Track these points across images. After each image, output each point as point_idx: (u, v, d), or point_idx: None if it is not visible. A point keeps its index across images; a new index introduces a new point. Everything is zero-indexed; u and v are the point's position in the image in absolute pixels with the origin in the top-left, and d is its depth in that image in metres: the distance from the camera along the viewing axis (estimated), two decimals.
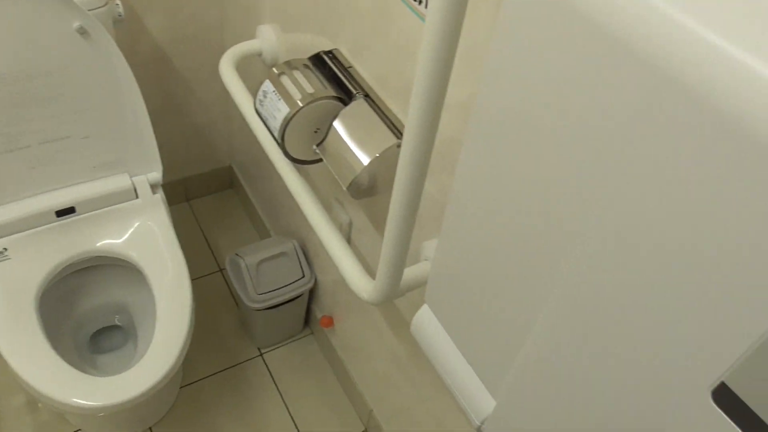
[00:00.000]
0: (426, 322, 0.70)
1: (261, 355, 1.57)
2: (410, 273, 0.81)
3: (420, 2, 0.73)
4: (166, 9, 1.43)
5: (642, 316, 0.40)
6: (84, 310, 1.36)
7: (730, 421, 0.36)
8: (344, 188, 0.87)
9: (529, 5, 0.42)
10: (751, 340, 0.33)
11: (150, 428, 1.42)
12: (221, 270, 1.73)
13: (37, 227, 1.21)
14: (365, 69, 0.92)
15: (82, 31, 1.08)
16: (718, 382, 0.36)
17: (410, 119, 0.58)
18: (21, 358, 1.09)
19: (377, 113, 0.88)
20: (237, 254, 1.41)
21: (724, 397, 0.36)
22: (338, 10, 0.94)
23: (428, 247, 0.86)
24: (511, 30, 0.45)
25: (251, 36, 1.37)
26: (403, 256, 0.72)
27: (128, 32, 1.42)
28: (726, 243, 0.33)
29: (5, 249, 1.19)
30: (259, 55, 1.24)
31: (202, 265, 1.73)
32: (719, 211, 0.33)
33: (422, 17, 0.73)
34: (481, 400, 0.63)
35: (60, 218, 1.23)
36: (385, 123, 0.87)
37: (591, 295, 0.44)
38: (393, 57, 0.83)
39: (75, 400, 1.06)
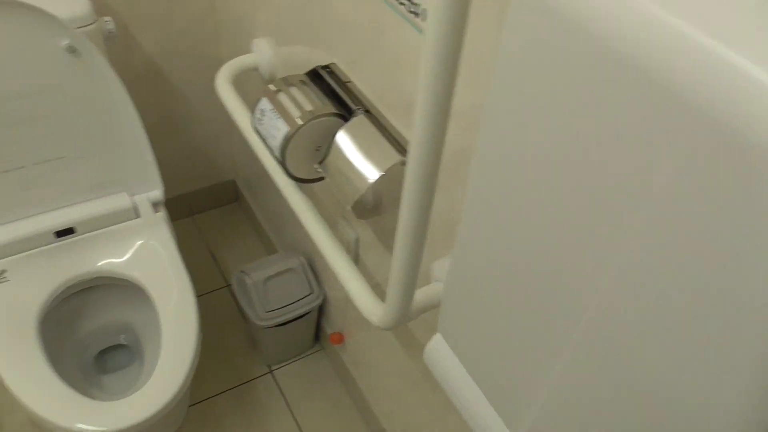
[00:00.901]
0: (439, 352, 0.67)
1: (271, 372, 1.54)
2: (421, 295, 0.78)
3: (416, 15, 0.69)
4: (158, 23, 1.40)
5: (676, 350, 0.36)
6: (87, 331, 1.34)
7: None
8: (347, 208, 0.83)
9: (532, 19, 0.38)
10: None
11: None
12: (228, 286, 1.70)
13: (36, 248, 1.19)
14: (364, 83, 0.88)
15: (72, 50, 1.05)
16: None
17: (414, 136, 0.54)
18: (22, 384, 1.06)
19: (379, 129, 0.85)
20: (243, 271, 1.38)
21: None
22: (332, 23, 0.91)
23: (439, 267, 0.82)
24: (517, 39, 0.41)
25: (247, 47, 1.33)
26: (413, 279, 0.69)
27: (121, 48, 1.39)
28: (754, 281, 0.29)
29: (4, 270, 1.17)
30: (256, 69, 1.20)
31: (208, 280, 1.70)
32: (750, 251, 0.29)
33: (419, 29, 0.69)
34: None
35: (60, 239, 1.21)
36: (388, 139, 0.83)
37: (620, 328, 0.41)
38: (391, 70, 0.80)
39: (79, 425, 1.03)
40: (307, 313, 1.42)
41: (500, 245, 0.51)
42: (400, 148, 0.82)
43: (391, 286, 0.71)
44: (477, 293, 0.57)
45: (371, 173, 0.82)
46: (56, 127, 1.11)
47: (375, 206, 0.88)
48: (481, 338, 0.59)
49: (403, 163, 0.81)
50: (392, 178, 0.83)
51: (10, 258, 1.16)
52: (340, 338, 1.42)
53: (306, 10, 0.98)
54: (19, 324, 1.11)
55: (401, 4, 0.71)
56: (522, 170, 0.45)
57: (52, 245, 1.19)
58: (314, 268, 1.43)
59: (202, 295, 1.67)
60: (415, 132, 0.54)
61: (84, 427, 1.03)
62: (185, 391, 1.10)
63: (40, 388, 1.06)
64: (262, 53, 1.16)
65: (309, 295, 1.40)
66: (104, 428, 1.02)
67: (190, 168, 1.74)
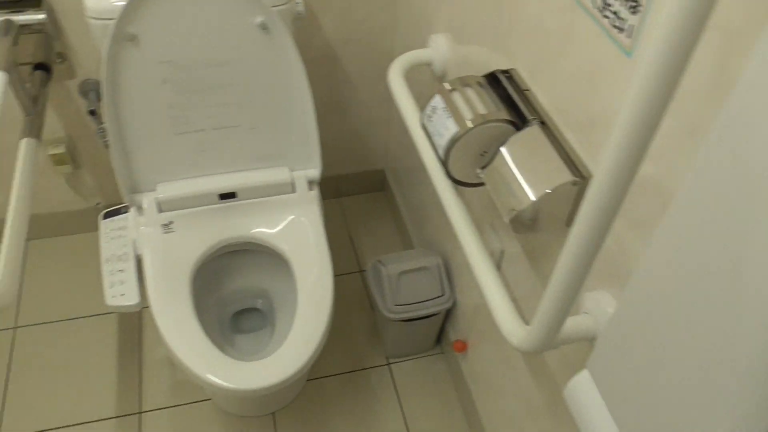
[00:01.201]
0: (584, 391, 0.62)
1: (388, 364, 1.55)
2: (569, 325, 0.73)
3: (621, 30, 0.64)
4: (340, 10, 1.44)
5: None
6: (230, 290, 1.42)
7: None
8: (505, 220, 0.80)
9: None
10: None
11: (273, 413, 1.45)
12: (361, 271, 1.73)
13: (201, 206, 1.28)
14: (544, 94, 0.84)
15: (264, 27, 1.11)
16: None
17: (605, 162, 0.50)
18: (170, 326, 1.14)
19: (552, 143, 0.80)
20: (379, 261, 1.39)
21: None
22: (520, 27, 0.87)
23: (592, 300, 0.77)
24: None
25: (421, 43, 1.33)
26: (566, 309, 0.64)
27: (304, 29, 1.46)
28: None
29: (171, 222, 1.26)
30: (429, 65, 1.20)
31: (343, 263, 1.75)
32: None
33: (624, 48, 0.64)
34: None
35: (222, 201, 1.28)
36: (561, 155, 0.79)
37: None
38: (578, 84, 0.75)
39: (210, 377, 1.09)
40: (434, 315, 1.40)
41: (683, 299, 0.46)
42: (573, 166, 0.77)
43: (542, 311, 0.67)
44: (644, 344, 0.52)
45: (536, 189, 0.78)
46: (238, 97, 1.18)
47: (532, 222, 0.84)
48: (639, 389, 0.54)
49: (574, 183, 0.76)
50: (558, 197, 0.78)
51: (177, 211, 1.26)
52: (463, 346, 1.39)
53: (493, 11, 0.95)
54: (176, 271, 1.20)
55: (605, 17, 0.66)
56: (737, 227, 0.40)
57: (215, 206, 1.28)
58: (449, 270, 1.41)
59: (335, 276, 1.71)
60: (606, 158, 0.50)
61: (213, 379, 1.09)
62: (311, 364, 1.13)
63: (183, 334, 1.13)
64: (438, 49, 1.15)
65: (440, 296, 1.39)
66: (232, 385, 1.08)
67: (345, 152, 1.79)
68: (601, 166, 0.51)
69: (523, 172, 0.80)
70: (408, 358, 1.56)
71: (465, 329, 1.38)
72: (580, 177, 0.76)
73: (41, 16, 1.22)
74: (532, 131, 0.82)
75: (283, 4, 1.15)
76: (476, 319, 1.30)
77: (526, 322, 0.83)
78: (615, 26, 0.64)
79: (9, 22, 1.17)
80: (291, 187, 1.30)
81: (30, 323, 1.57)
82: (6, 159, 1.49)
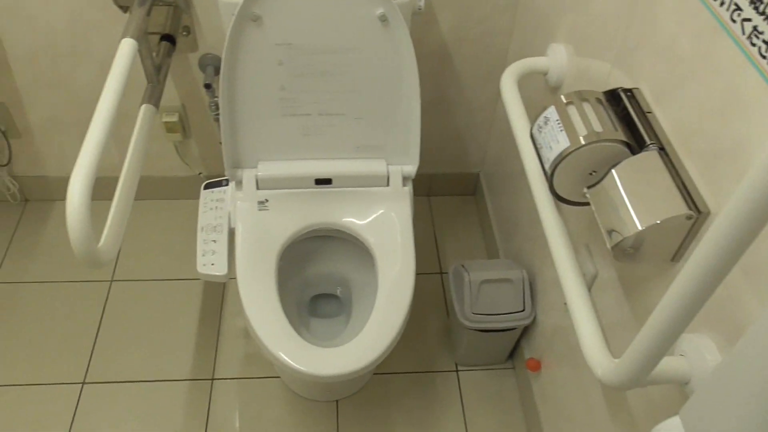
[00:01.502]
0: None
1: (457, 371, 1.53)
2: (662, 365, 0.69)
3: None
4: (461, 8, 1.43)
5: None
6: (312, 274, 1.44)
7: None
8: (608, 246, 0.76)
9: None
10: None
11: (337, 401, 1.47)
12: (441, 273, 1.72)
13: (296, 188, 1.30)
14: (667, 118, 0.79)
15: (383, 18, 1.11)
16: None
17: (738, 198, 0.46)
18: (252, 299, 1.17)
19: (669, 171, 0.76)
20: (463, 266, 1.37)
21: None
22: (649, 45, 0.83)
23: (689, 341, 0.72)
24: None
25: (537, 50, 1.30)
26: (664, 350, 0.60)
27: (420, 24, 1.45)
28: None
29: (267, 200, 1.30)
30: (544, 74, 1.16)
31: (425, 262, 1.74)
32: None
33: None
34: None
35: (317, 186, 1.31)
36: (677, 185, 0.74)
37: None
38: (709, 113, 0.70)
39: (282, 356, 1.11)
40: (512, 329, 1.37)
41: None
42: (689, 199, 0.73)
43: (636, 346, 0.63)
44: (752, 403, 0.47)
45: (645, 218, 0.73)
46: (348, 85, 1.19)
47: (635, 251, 0.80)
48: None
49: (689, 218, 0.71)
50: (668, 229, 0.74)
51: (274, 191, 1.29)
52: (537, 365, 1.35)
53: (622, 26, 0.91)
54: (265, 249, 1.23)
55: (753, 44, 0.61)
56: None
57: (310, 190, 1.30)
58: (533, 286, 1.37)
59: (416, 274, 1.70)
60: (738, 196, 0.46)
61: (286, 359, 1.10)
62: (384, 357, 1.13)
63: (263, 310, 1.16)
64: (556, 59, 1.11)
65: (520, 311, 1.35)
66: (304, 369, 1.09)
67: (442, 151, 1.78)
68: (730, 204, 0.47)
69: (633, 198, 0.75)
70: (478, 368, 1.53)
71: (541, 349, 1.34)
72: (696, 211, 0.71)
73: None
74: (649, 156, 0.78)
75: None
76: (555, 341, 1.26)
77: (611, 353, 0.79)
78: (763, 55, 0.60)
79: None
80: (385, 181, 1.30)
81: (124, 279, 1.66)
82: (125, 122, 1.58)
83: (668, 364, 0.70)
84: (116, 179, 1.07)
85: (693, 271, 0.53)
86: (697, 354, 0.70)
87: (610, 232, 0.77)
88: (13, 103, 1.56)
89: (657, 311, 0.59)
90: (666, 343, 0.60)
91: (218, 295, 1.65)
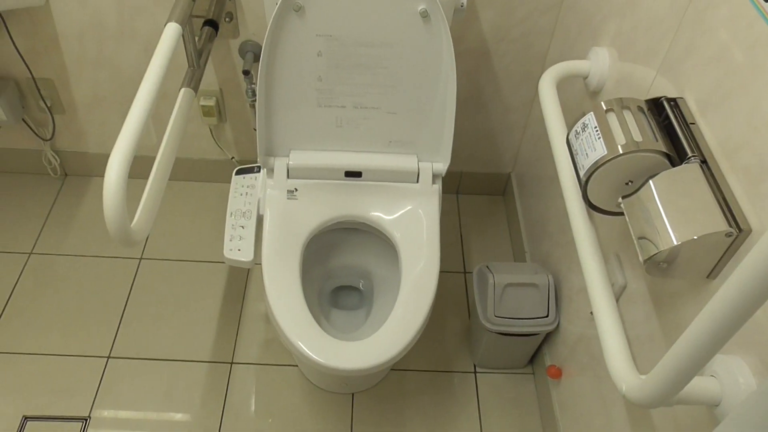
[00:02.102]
0: None
1: (475, 372, 1.52)
2: (691, 386, 0.67)
3: None
4: (502, 6, 1.41)
5: None
6: (336, 265, 1.45)
7: None
8: (640, 259, 0.75)
9: None
10: None
11: (353, 394, 1.47)
12: (465, 273, 1.71)
13: (326, 179, 1.30)
14: (711, 130, 0.77)
15: (425, 14, 1.10)
16: None
17: None
18: (274, 286, 1.17)
19: (710, 186, 0.74)
20: (488, 267, 1.36)
21: None
22: (697, 54, 0.80)
23: (722, 363, 0.70)
24: None
25: (579, 52, 1.27)
26: (695, 370, 0.59)
27: (461, 22, 1.44)
28: None
29: (296, 189, 1.30)
30: (584, 78, 1.14)
31: (449, 260, 1.73)
32: None
33: None
34: None
35: (347, 178, 1.30)
36: (718, 201, 0.72)
37: None
38: (759, 127, 0.68)
39: (301, 345, 1.11)
40: (534, 334, 1.36)
41: None
42: (730, 216, 0.70)
43: (665, 364, 0.62)
44: None
45: (681, 232, 0.72)
46: (385, 80, 1.19)
47: (668, 265, 0.78)
48: None
49: (728, 235, 0.69)
50: (705, 246, 0.72)
51: (304, 180, 1.29)
52: (557, 373, 1.33)
53: (669, 32, 0.88)
54: (292, 237, 1.24)
55: None
56: None
57: (339, 182, 1.30)
58: (558, 292, 1.35)
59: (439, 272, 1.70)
60: None
61: (304, 349, 1.10)
62: (404, 353, 1.13)
63: (286, 298, 1.16)
64: (597, 63, 1.09)
65: (543, 317, 1.33)
66: (323, 361, 1.09)
67: (473, 149, 1.76)
68: None
69: (670, 212, 0.74)
70: (497, 371, 1.52)
71: (563, 356, 1.32)
72: (737, 229, 0.69)
73: None
74: (690, 169, 0.76)
75: None
76: (577, 349, 1.24)
77: (637, 368, 0.78)
78: None
79: None
80: (415, 177, 1.30)
81: (153, 257, 1.69)
82: (164, 104, 1.60)
83: (698, 385, 0.68)
84: (151, 159, 1.08)
85: (731, 292, 0.51)
86: (730, 376, 0.68)
87: (643, 244, 0.75)
88: (60, 79, 1.59)
89: (690, 329, 0.57)
90: (698, 363, 0.58)
91: (242, 279, 1.66)
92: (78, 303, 1.58)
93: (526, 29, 1.45)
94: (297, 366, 1.51)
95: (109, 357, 1.49)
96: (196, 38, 1.32)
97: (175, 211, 1.79)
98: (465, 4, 1.19)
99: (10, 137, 1.74)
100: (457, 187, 1.87)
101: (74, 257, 1.67)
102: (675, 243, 0.71)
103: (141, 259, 1.68)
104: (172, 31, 1.08)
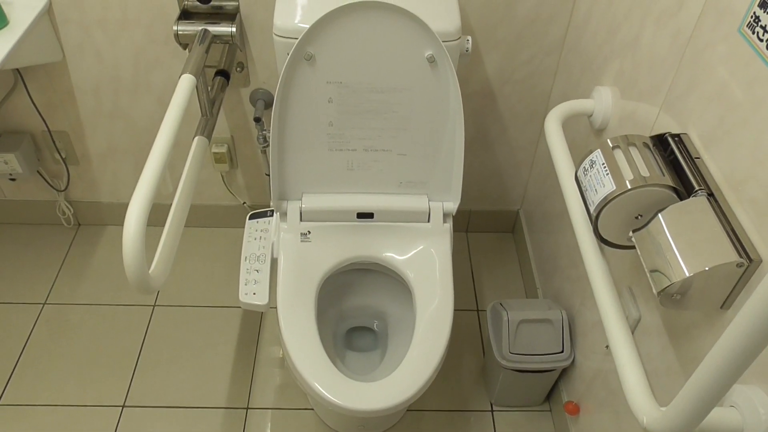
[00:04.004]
0: None
1: (492, 411, 1.51)
2: (711, 416, 0.67)
3: None
4: (506, 50, 1.45)
5: None
6: (350, 306, 1.45)
7: None
8: (654, 292, 0.76)
9: None
10: None
11: None
12: (478, 311, 1.71)
13: (338, 221, 1.32)
14: (717, 164, 0.79)
15: (432, 60, 1.14)
16: None
17: None
18: (291, 330, 1.18)
19: (719, 218, 0.75)
20: (501, 304, 1.37)
21: None
22: (698, 91, 0.83)
23: (741, 393, 0.70)
24: None
25: (582, 91, 1.31)
26: (714, 401, 0.59)
27: (466, 65, 1.48)
28: None
29: (309, 232, 1.32)
30: (588, 116, 1.17)
31: (461, 298, 1.73)
32: None
33: None
34: None
35: (359, 219, 1.33)
36: (727, 233, 0.73)
37: None
38: (762, 160, 0.70)
39: (318, 387, 1.11)
40: (550, 370, 1.35)
41: None
42: (740, 246, 0.72)
43: (685, 396, 0.62)
44: None
45: (692, 264, 0.73)
46: (395, 123, 1.22)
47: (681, 297, 0.79)
48: None
49: (739, 265, 0.71)
50: (717, 277, 0.73)
51: (317, 223, 1.31)
52: (575, 409, 1.32)
53: (670, 71, 0.91)
54: (306, 280, 1.25)
55: None
56: None
57: (352, 223, 1.32)
58: (573, 327, 1.35)
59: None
60: None
61: (321, 391, 1.10)
62: (420, 394, 1.12)
63: (302, 341, 1.17)
64: (601, 102, 1.12)
65: (559, 353, 1.33)
66: (340, 402, 1.09)
67: (482, 188, 1.79)
68: None
69: (681, 244, 0.75)
70: (514, 408, 1.51)
71: (580, 392, 1.32)
72: (747, 259, 0.70)
73: (232, 29, 1.34)
74: (698, 202, 0.77)
75: (453, 40, 1.17)
76: (595, 385, 1.24)
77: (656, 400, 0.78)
78: None
79: (206, 32, 1.30)
80: (426, 217, 1.32)
81: (166, 304, 1.70)
82: (178, 151, 1.64)
83: (718, 416, 0.69)
84: (166, 206, 1.10)
85: (745, 322, 0.52)
86: (750, 406, 0.68)
87: (656, 277, 0.77)
88: (75, 132, 1.63)
89: (707, 360, 0.58)
90: (718, 394, 0.59)
91: (256, 324, 1.67)
92: (92, 352, 1.59)
93: (529, 71, 1.49)
94: (313, 409, 1.50)
95: (123, 406, 1.49)
96: (209, 88, 1.36)
97: (187, 257, 1.81)
98: (470, 48, 1.23)
99: (24, 189, 1.78)
100: (466, 225, 1.89)
101: (88, 306, 1.69)
102: (687, 275, 0.72)
103: (155, 306, 1.70)
104: (186, 82, 1.12)
